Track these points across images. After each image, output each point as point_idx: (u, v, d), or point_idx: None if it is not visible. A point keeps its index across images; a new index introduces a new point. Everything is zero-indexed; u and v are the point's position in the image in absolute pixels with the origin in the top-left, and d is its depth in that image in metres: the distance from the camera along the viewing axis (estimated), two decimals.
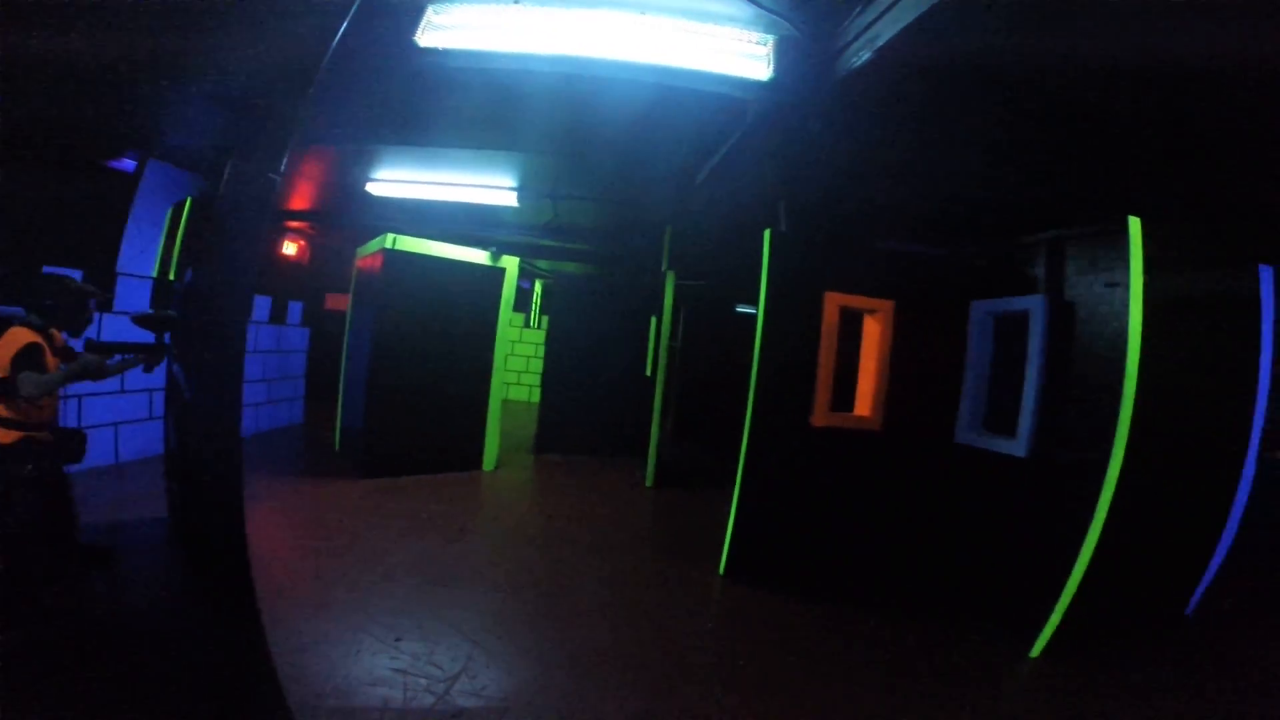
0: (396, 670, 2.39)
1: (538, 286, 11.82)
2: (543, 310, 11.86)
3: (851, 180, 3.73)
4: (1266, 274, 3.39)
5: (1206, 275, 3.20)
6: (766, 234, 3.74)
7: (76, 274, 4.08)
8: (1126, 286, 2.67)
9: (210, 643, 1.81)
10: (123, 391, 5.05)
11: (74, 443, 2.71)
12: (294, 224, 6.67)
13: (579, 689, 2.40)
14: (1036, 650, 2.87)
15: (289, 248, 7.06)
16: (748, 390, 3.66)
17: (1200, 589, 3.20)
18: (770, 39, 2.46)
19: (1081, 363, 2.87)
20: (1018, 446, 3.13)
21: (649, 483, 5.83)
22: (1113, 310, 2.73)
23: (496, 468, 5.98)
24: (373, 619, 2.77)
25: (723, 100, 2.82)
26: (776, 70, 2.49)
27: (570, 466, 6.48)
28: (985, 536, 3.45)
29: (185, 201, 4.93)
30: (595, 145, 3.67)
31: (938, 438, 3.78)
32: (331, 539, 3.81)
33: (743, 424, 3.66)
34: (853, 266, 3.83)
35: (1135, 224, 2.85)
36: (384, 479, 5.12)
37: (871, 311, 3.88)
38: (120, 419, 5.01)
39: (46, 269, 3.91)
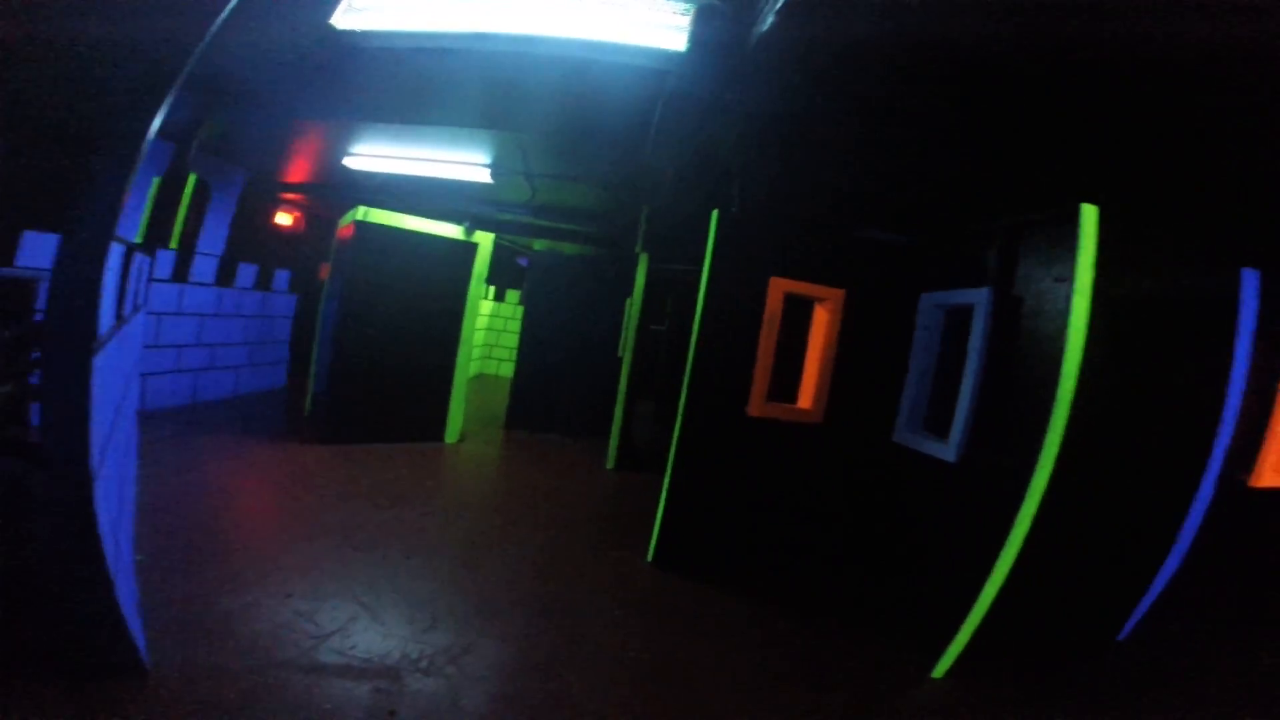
0: (277, 624, 2.40)
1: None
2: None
3: (806, 161, 3.54)
4: (1250, 279, 3.10)
5: (1177, 274, 2.93)
6: (714, 214, 3.60)
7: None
8: (1072, 281, 2.45)
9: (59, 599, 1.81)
10: (156, 346, 5.38)
11: None
12: (288, 195, 6.75)
13: (449, 658, 2.36)
14: (939, 670, 2.68)
15: (283, 218, 7.15)
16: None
17: (1137, 615, 2.97)
18: (691, 9, 2.33)
19: (1028, 364, 2.65)
20: (948, 450, 2.94)
21: (610, 464, 5.77)
22: (1059, 308, 2.50)
23: (460, 440, 5.99)
24: (273, 576, 2.79)
25: (653, 75, 2.69)
26: (692, 41, 2.35)
27: (535, 444, 6.44)
28: (913, 543, 3.27)
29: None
30: (535, 122, 3.56)
31: (878, 435, 3.60)
32: (269, 501, 3.87)
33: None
34: (805, 252, 3.65)
35: (1089, 212, 2.60)
36: (344, 445, 5.18)
37: (821, 300, 3.71)
38: (149, 371, 5.35)
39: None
